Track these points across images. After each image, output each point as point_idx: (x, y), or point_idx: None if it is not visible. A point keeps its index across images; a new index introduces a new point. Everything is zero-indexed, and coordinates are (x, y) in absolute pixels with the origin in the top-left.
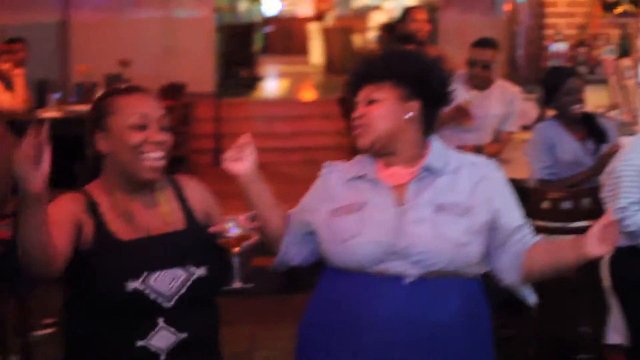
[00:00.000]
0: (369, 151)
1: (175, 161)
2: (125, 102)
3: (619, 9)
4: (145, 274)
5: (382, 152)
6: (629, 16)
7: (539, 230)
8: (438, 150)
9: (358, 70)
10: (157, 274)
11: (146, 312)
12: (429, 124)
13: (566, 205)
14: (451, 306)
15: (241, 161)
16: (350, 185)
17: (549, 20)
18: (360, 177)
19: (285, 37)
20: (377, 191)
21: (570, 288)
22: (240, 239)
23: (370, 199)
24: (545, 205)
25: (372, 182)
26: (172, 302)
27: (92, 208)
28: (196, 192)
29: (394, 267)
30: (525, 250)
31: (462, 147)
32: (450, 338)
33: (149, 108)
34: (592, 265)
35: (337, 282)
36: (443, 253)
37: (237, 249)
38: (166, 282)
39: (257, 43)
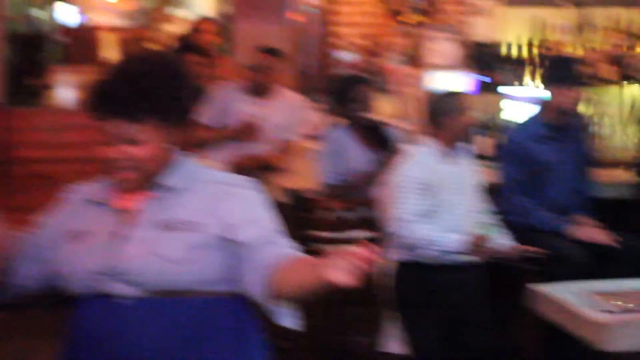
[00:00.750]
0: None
1: None
2: None
3: (407, 19)
4: None
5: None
6: (417, 26)
7: (317, 240)
8: (178, 166)
9: (105, 101)
10: None
11: None
12: (178, 138)
13: (345, 215)
14: (169, 327)
15: None
16: (87, 208)
17: (338, 29)
18: (94, 201)
19: (81, 46)
20: (105, 215)
21: (344, 297)
22: None
23: (97, 223)
24: (324, 215)
25: (103, 205)
26: None
27: None
28: None
29: (114, 289)
30: (270, 267)
31: (243, 158)
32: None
33: None
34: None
35: (78, 302)
36: (157, 272)
37: None
38: None
39: (52, 52)
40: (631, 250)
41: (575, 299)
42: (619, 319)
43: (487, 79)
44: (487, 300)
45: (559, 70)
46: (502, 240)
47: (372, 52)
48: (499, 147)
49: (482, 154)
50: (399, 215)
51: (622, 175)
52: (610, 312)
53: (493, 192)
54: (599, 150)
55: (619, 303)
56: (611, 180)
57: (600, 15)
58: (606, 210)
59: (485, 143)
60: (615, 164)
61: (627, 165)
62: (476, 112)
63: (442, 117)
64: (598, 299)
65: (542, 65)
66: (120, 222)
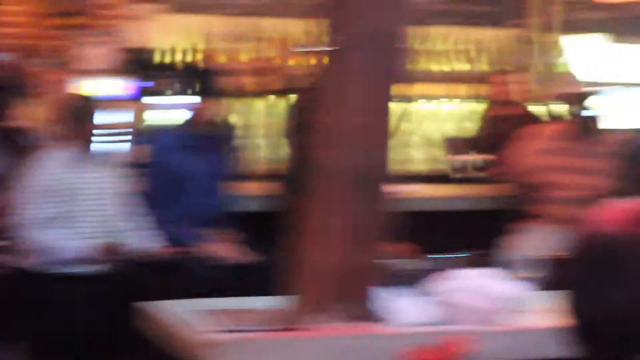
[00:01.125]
0: None
1: None
2: None
3: (61, 22)
4: None
5: None
6: (70, 29)
7: None
8: None
9: None
10: None
11: None
12: None
13: None
14: None
15: None
16: None
17: None
18: None
19: None
20: None
21: None
22: None
23: None
24: None
25: None
26: None
27: None
28: None
29: None
30: None
31: None
32: None
33: None
34: None
35: None
36: None
37: None
38: None
39: None
40: (267, 265)
41: (188, 317)
42: (225, 338)
43: (140, 86)
44: (110, 315)
45: (206, 80)
46: (141, 245)
47: (21, 54)
48: (144, 155)
49: (131, 161)
50: (23, 221)
51: (267, 187)
52: (222, 331)
53: (140, 200)
54: (245, 163)
55: (235, 321)
56: (257, 192)
57: (264, 25)
58: (249, 224)
59: (134, 150)
60: (261, 177)
61: (273, 177)
62: (125, 119)
63: (78, 122)
64: (215, 317)
65: (193, 74)
66: None
